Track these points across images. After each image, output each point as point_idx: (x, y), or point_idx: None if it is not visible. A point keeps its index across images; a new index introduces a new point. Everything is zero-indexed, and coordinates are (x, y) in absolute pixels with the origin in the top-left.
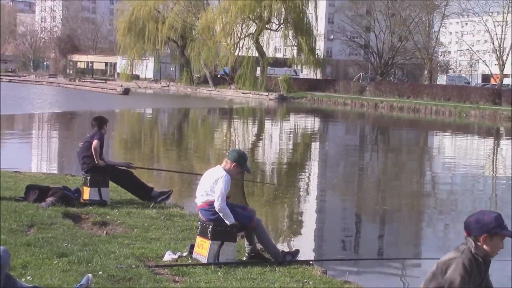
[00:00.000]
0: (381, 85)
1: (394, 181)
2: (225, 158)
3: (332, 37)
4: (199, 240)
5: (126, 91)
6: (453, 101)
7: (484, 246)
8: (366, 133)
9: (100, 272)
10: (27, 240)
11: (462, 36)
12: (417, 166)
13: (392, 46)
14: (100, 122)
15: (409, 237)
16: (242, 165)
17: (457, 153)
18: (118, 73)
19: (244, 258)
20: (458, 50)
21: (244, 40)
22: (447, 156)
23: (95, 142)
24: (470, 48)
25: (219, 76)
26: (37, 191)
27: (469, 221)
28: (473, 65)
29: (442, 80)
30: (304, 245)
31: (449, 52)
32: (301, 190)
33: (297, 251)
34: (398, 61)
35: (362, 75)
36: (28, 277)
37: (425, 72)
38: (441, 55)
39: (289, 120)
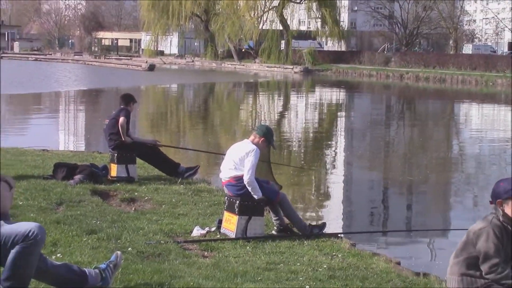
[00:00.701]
0: (406, 56)
1: (421, 153)
2: (253, 132)
3: (356, 8)
4: (226, 215)
5: (151, 67)
6: (480, 70)
7: (507, 212)
8: (392, 104)
9: (129, 249)
10: (56, 218)
11: (487, 4)
12: (444, 137)
13: (416, 16)
14: (127, 99)
15: (437, 208)
16: (269, 140)
17: (484, 124)
18: (143, 50)
19: (274, 232)
20: (483, 18)
21: (268, 13)
22: (474, 127)
23: (121, 119)
24: (496, 16)
25: (243, 50)
26: (65, 169)
27: (492, 190)
28: (499, 33)
29: (468, 49)
30: (332, 218)
31: (474, 20)
32: (327, 164)
33: (324, 224)
34: (423, 31)
35: (387, 46)
36: (58, 255)
37: (451, 42)
38: (466, 24)
39: (315, 93)
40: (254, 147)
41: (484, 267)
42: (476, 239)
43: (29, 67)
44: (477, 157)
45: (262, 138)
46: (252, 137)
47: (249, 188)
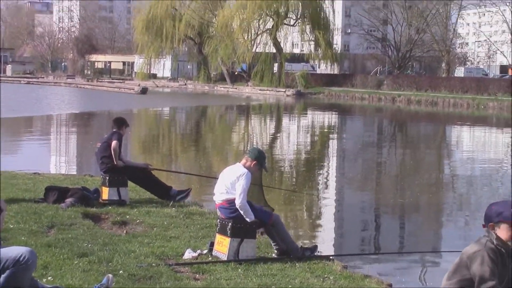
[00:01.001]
0: (399, 79)
1: (412, 175)
2: (245, 155)
3: (349, 30)
4: (218, 237)
5: (144, 91)
6: (471, 93)
7: (500, 235)
8: (384, 127)
9: (120, 271)
10: (48, 241)
11: (479, 27)
12: (436, 160)
13: (409, 38)
14: (120, 123)
15: (428, 230)
16: (261, 163)
17: (476, 146)
18: (136, 73)
19: (274, 255)
20: (476, 41)
21: (262, 36)
22: (466, 149)
23: (114, 143)
24: (488, 39)
25: (236, 73)
26: (57, 192)
27: (485, 214)
28: (491, 56)
29: (460, 72)
30: (324, 240)
31: (467, 43)
32: (319, 185)
33: (315, 247)
34: (415, 54)
35: (380, 69)
36: (49, 278)
37: (443, 65)
38: (458, 46)
39: (307, 116)
40: (245, 170)
41: None
42: (470, 262)
43: (22, 90)
44: (469, 179)
45: (254, 162)
46: (244, 161)
47: (241, 212)
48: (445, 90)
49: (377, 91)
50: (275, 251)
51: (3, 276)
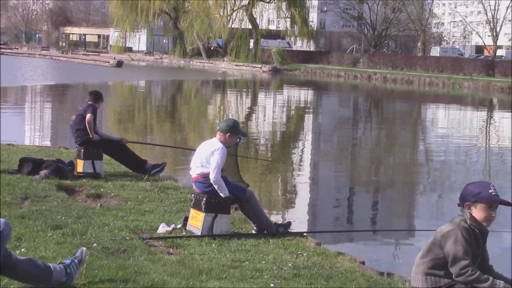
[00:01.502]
0: (375, 57)
1: (387, 153)
2: (217, 131)
3: (325, 8)
4: (193, 212)
5: (119, 64)
6: (447, 72)
7: (475, 215)
8: (360, 105)
9: (94, 244)
10: (21, 212)
11: (455, 7)
12: (411, 138)
13: (385, 17)
14: (96, 96)
15: (402, 209)
16: (236, 133)
17: (451, 125)
18: (111, 46)
19: (253, 232)
20: (451, 21)
21: (238, 12)
22: (441, 127)
23: (88, 116)
24: (464, 19)
25: (212, 48)
26: (31, 164)
27: (460, 193)
28: (467, 37)
29: (435, 51)
30: (298, 217)
31: (443, 23)
32: (294, 162)
33: (289, 223)
34: (391, 33)
35: (356, 47)
36: (22, 249)
37: (419, 44)
38: (434, 26)
39: (283, 92)
40: (221, 145)
41: (453, 270)
42: (444, 241)
43: None
44: (443, 157)
45: (228, 134)
46: (218, 136)
47: (216, 187)
48: (420, 69)
49: (353, 68)
50: (254, 227)
51: None
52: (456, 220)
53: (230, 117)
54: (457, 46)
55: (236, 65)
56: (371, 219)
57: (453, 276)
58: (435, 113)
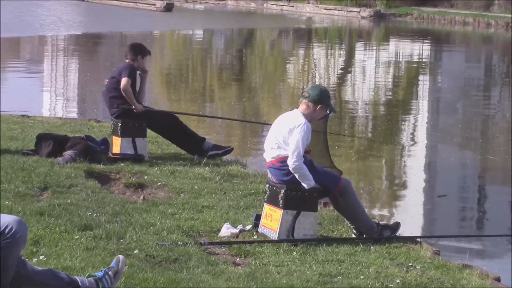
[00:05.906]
0: None
1: None
2: (302, 100)
3: None
4: (267, 208)
5: (169, 7)
6: None
7: None
8: (494, 64)
9: (135, 251)
10: (39, 207)
11: None
12: None
13: None
14: (135, 51)
15: None
16: (326, 104)
17: None
18: None
19: (353, 235)
20: None
21: None
22: None
23: (123, 81)
24: None
25: None
26: (52, 142)
27: None
28: None
29: None
30: (409, 217)
31: None
32: (403, 143)
33: (397, 225)
34: None
35: None
36: (41, 257)
37: None
38: None
39: (388, 46)
40: (303, 120)
41: None
42: None
43: (7, 5)
44: None
45: (318, 106)
46: (303, 106)
47: (296, 175)
48: None
49: (486, 13)
50: (354, 230)
51: None
52: None
53: (318, 80)
54: None
55: (325, 9)
56: (510, 221)
57: None
58: None
